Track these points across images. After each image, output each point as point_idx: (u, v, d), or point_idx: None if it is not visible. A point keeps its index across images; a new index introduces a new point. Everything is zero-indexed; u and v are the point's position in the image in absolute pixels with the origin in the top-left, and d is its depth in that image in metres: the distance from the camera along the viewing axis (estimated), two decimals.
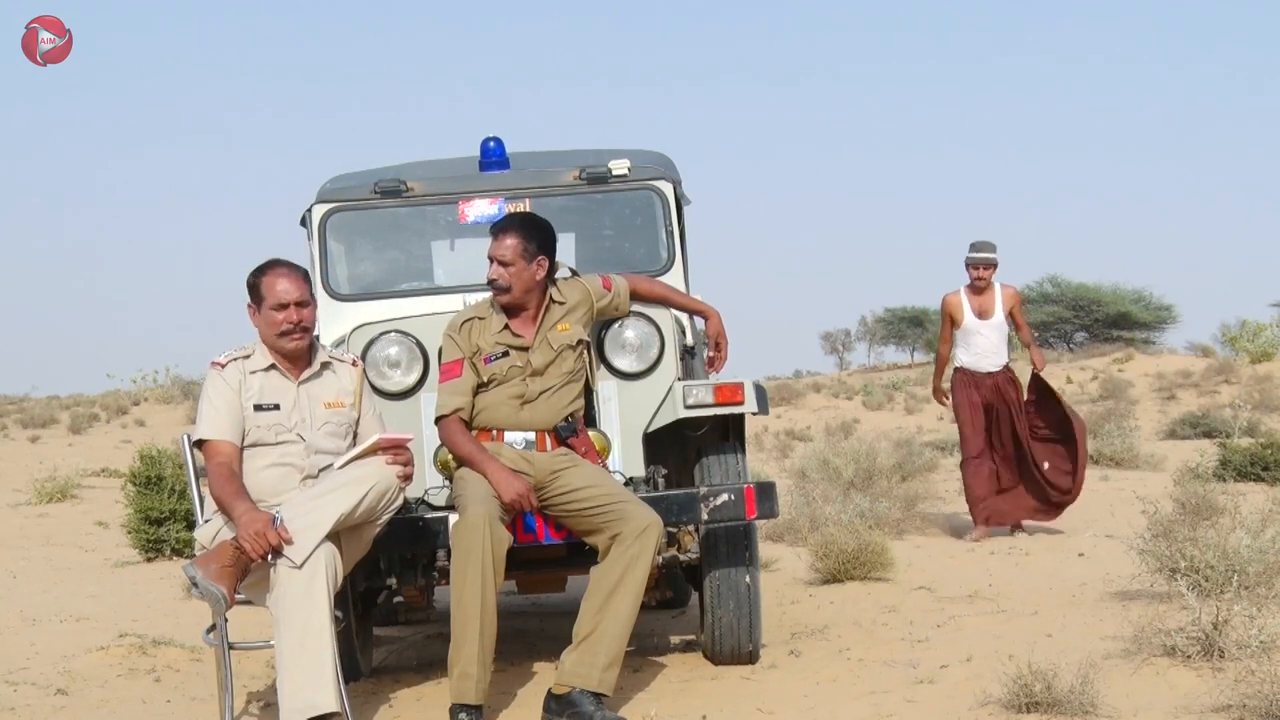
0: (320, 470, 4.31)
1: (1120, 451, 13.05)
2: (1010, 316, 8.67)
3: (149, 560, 9.14)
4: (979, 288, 8.61)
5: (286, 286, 4.32)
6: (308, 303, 4.37)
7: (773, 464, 14.74)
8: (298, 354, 4.38)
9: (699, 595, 5.05)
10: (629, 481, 4.72)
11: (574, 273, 4.88)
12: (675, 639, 5.69)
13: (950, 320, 8.75)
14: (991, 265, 8.56)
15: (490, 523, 4.26)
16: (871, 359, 53.28)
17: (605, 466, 4.66)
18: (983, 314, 8.61)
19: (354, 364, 4.52)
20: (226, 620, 4.21)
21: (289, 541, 4.01)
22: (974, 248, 8.57)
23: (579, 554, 4.73)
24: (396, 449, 4.28)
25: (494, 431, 4.62)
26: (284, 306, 4.30)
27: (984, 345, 8.63)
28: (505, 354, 4.61)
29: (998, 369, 8.63)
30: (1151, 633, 4.56)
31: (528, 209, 5.19)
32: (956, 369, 8.74)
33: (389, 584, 4.94)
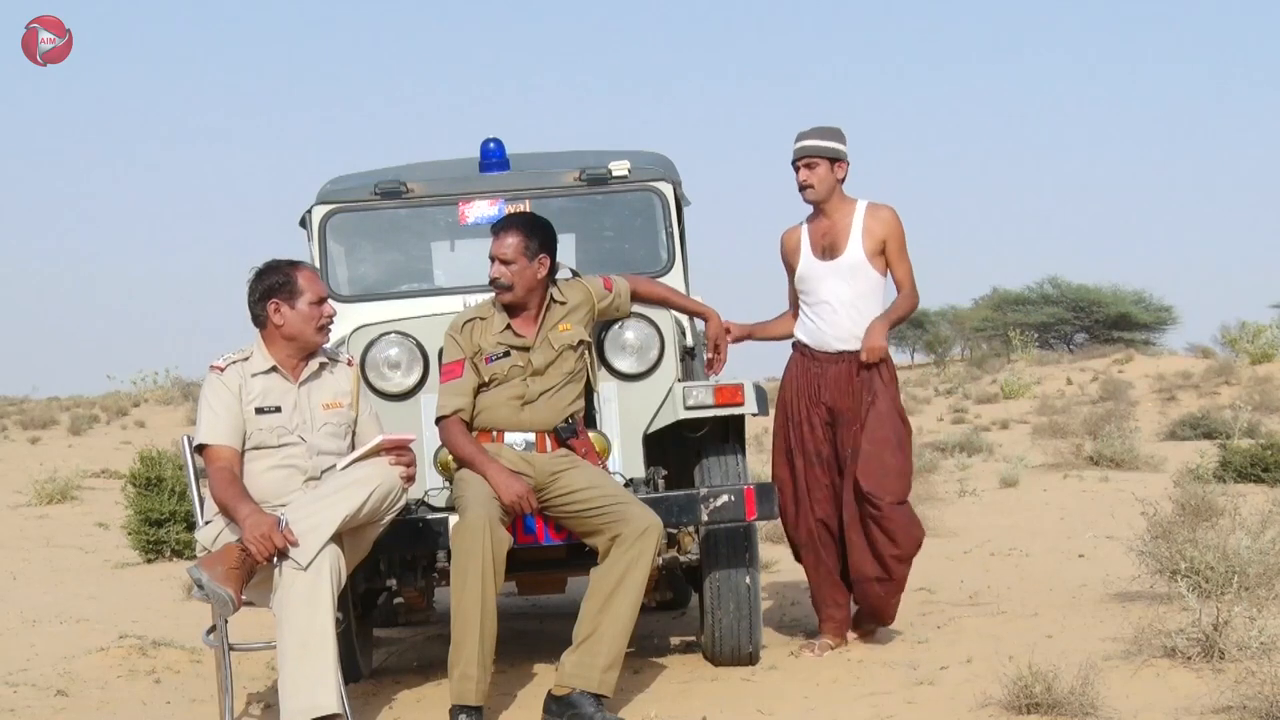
0: (323, 471, 4.31)
1: (1120, 453, 13.03)
2: (883, 256, 5.15)
3: (149, 561, 9.14)
4: (813, 200, 5.15)
5: (319, 282, 4.42)
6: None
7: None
8: (316, 349, 4.41)
9: (699, 596, 5.05)
10: (629, 483, 4.72)
11: (575, 274, 4.89)
12: (675, 640, 5.70)
13: (791, 272, 5.34)
14: (823, 159, 5.08)
15: (490, 524, 4.26)
16: None
17: (605, 467, 4.66)
18: (829, 250, 5.15)
19: (349, 364, 4.53)
20: (227, 621, 4.21)
21: (294, 544, 4.01)
22: (797, 137, 5.19)
23: (579, 555, 4.73)
24: (399, 450, 4.29)
25: (494, 432, 4.62)
26: (322, 300, 4.37)
27: (832, 303, 5.14)
28: (506, 354, 4.61)
29: (858, 348, 5.13)
30: (1152, 634, 4.56)
31: (528, 210, 5.19)
32: (793, 348, 5.33)
33: (389, 585, 4.95)
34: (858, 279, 5.14)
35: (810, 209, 5.25)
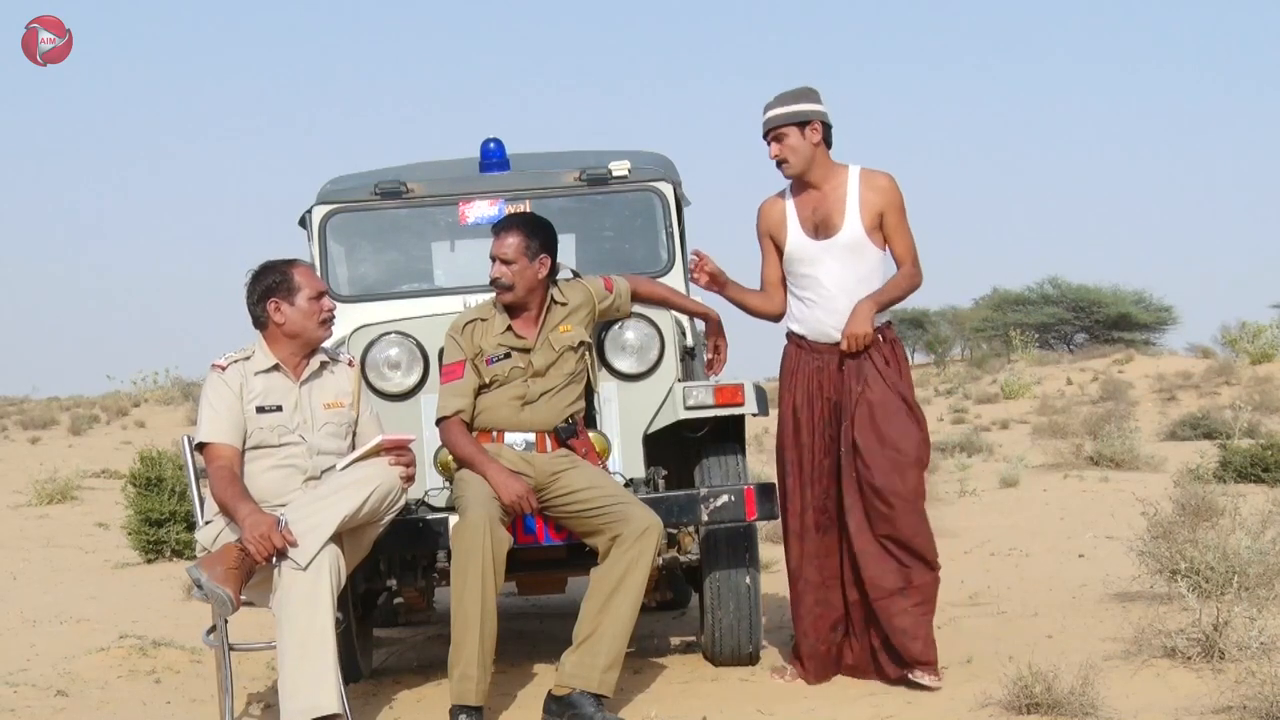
0: (323, 471, 4.31)
1: (1120, 453, 13.04)
2: (880, 230, 4.56)
3: (149, 562, 9.15)
4: (792, 174, 4.57)
5: (316, 277, 4.43)
6: None
7: (772, 465, 14.76)
8: (319, 344, 4.42)
9: (699, 596, 5.05)
10: (629, 483, 4.72)
11: (575, 274, 4.89)
12: (675, 640, 5.70)
13: (771, 248, 4.75)
14: (790, 126, 4.51)
15: (490, 524, 4.26)
16: None
17: (605, 468, 4.66)
18: (822, 227, 4.56)
19: (350, 364, 4.53)
20: (227, 621, 4.21)
21: (294, 544, 4.01)
22: (764, 109, 4.62)
23: (579, 555, 4.73)
24: (399, 450, 4.29)
25: (494, 433, 4.62)
26: (320, 295, 4.38)
27: (829, 288, 4.56)
28: (507, 355, 4.61)
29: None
30: (1152, 634, 4.56)
31: (528, 210, 5.19)
32: (787, 340, 4.77)
33: (389, 585, 4.95)
34: (857, 259, 4.53)
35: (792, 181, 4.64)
